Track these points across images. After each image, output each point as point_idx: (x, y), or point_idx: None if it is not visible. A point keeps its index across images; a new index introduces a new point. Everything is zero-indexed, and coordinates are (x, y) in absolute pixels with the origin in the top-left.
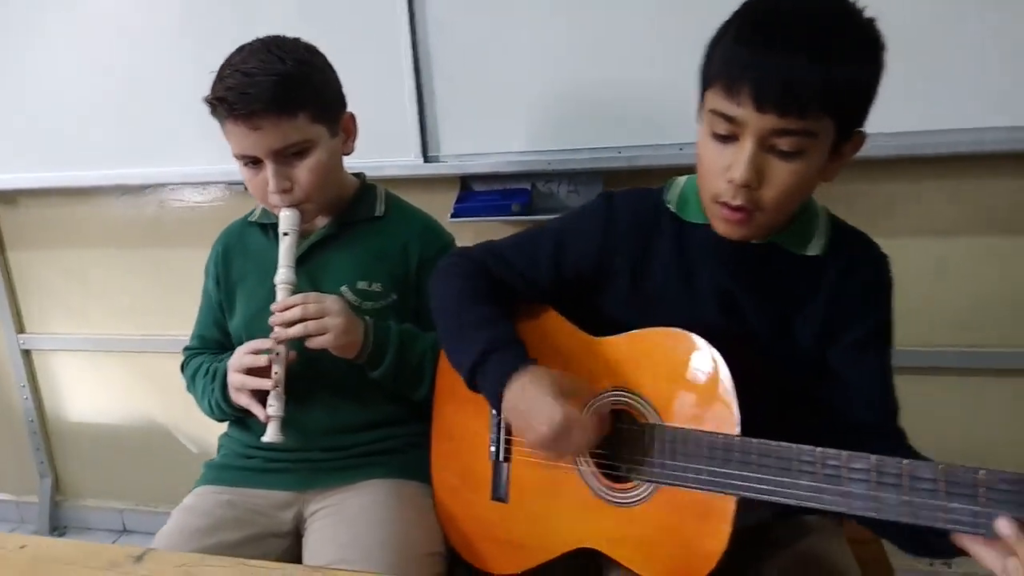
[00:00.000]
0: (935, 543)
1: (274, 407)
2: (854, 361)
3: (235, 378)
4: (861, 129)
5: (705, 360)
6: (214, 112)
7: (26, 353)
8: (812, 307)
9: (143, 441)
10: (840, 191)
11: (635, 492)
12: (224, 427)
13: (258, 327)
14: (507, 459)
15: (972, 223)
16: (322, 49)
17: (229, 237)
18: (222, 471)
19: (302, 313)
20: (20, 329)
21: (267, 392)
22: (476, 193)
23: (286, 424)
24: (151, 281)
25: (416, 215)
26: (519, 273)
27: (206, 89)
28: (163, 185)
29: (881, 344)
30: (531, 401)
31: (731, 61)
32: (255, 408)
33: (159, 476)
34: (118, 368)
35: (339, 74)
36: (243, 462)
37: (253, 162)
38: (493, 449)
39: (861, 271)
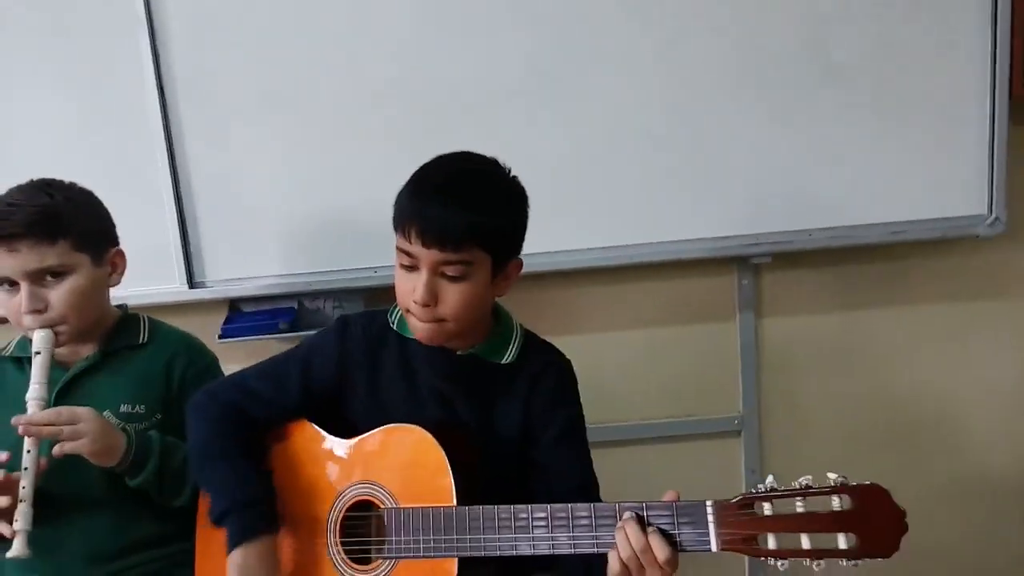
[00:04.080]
0: None
1: (19, 521)
2: (555, 454)
3: None
4: (519, 257)
5: (428, 446)
6: None
7: None
8: (510, 406)
9: None
10: (559, 296)
11: (378, 571)
12: None
13: (14, 462)
14: None
15: (668, 315)
16: (85, 185)
17: None
18: None
19: (54, 421)
20: None
21: (12, 511)
22: (243, 314)
23: (34, 540)
24: None
25: (178, 336)
26: (267, 401)
27: None
28: None
29: (575, 436)
30: (249, 569)
31: (405, 210)
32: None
33: None
34: None
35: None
36: None
37: (9, 284)
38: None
39: (548, 377)
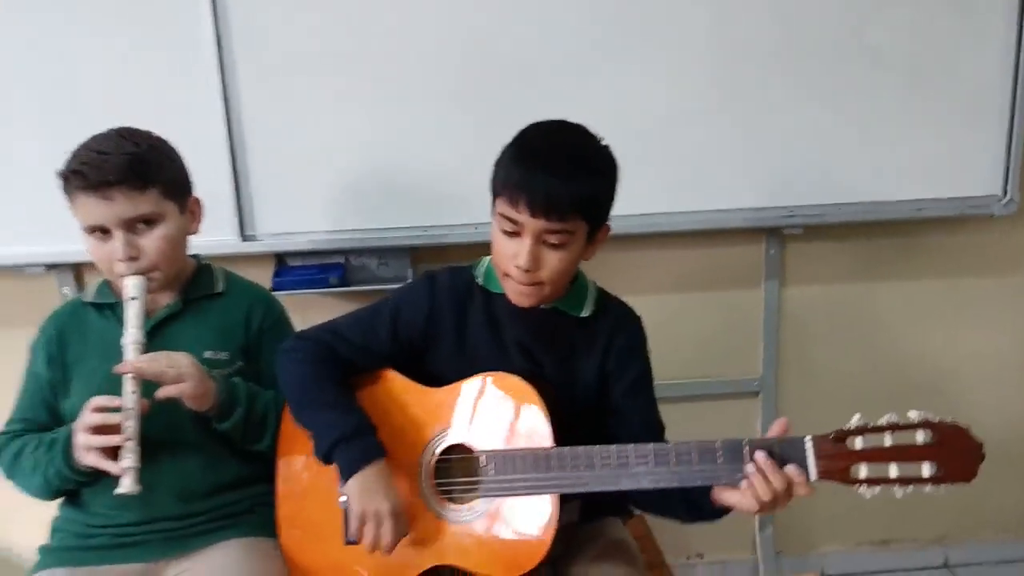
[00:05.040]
0: (701, 506)
1: (128, 459)
2: (631, 399)
3: (82, 438)
4: (607, 223)
5: (523, 392)
6: (66, 186)
7: None
8: (589, 356)
9: None
10: (594, 258)
11: (475, 509)
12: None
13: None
14: None
15: (698, 282)
16: None
17: (61, 318)
18: (64, 553)
19: (153, 364)
20: None
21: (115, 450)
22: (292, 268)
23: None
24: None
25: (253, 289)
26: (359, 347)
27: None
28: None
29: (647, 383)
30: (372, 491)
31: (510, 179)
32: (105, 464)
33: None
34: None
35: None
36: (85, 542)
37: (102, 232)
38: (344, 498)
39: (624, 332)
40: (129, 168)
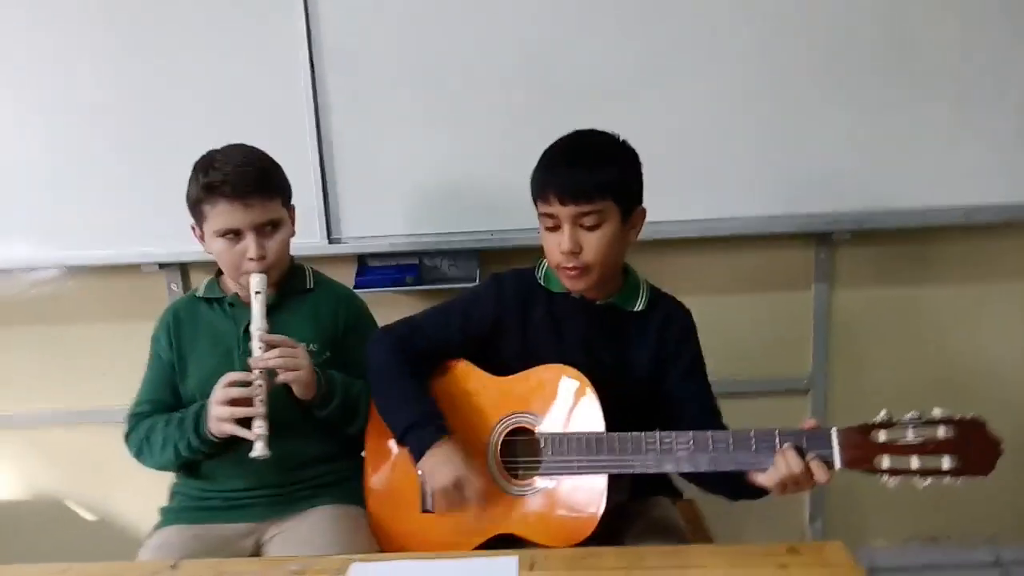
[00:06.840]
0: (743, 486)
1: (261, 427)
2: (685, 386)
3: (221, 411)
4: (641, 206)
5: (576, 382)
6: (208, 195)
7: None
8: (643, 347)
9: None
10: (653, 262)
11: (536, 485)
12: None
13: (212, 386)
14: None
15: (751, 284)
16: None
17: (177, 310)
18: (184, 512)
19: (280, 351)
20: None
21: (245, 421)
22: (372, 268)
23: (249, 449)
24: None
25: (339, 288)
26: (434, 340)
27: None
28: None
29: (700, 369)
30: (442, 465)
31: (540, 180)
32: (242, 432)
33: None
34: None
35: None
36: (201, 503)
37: (235, 235)
38: (420, 472)
39: (675, 323)
40: (263, 179)
